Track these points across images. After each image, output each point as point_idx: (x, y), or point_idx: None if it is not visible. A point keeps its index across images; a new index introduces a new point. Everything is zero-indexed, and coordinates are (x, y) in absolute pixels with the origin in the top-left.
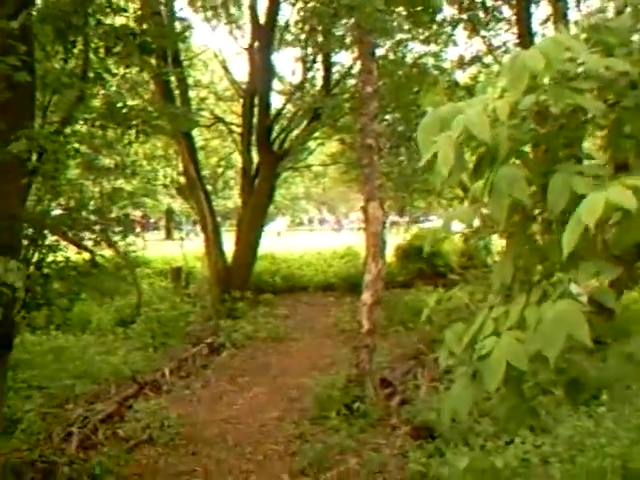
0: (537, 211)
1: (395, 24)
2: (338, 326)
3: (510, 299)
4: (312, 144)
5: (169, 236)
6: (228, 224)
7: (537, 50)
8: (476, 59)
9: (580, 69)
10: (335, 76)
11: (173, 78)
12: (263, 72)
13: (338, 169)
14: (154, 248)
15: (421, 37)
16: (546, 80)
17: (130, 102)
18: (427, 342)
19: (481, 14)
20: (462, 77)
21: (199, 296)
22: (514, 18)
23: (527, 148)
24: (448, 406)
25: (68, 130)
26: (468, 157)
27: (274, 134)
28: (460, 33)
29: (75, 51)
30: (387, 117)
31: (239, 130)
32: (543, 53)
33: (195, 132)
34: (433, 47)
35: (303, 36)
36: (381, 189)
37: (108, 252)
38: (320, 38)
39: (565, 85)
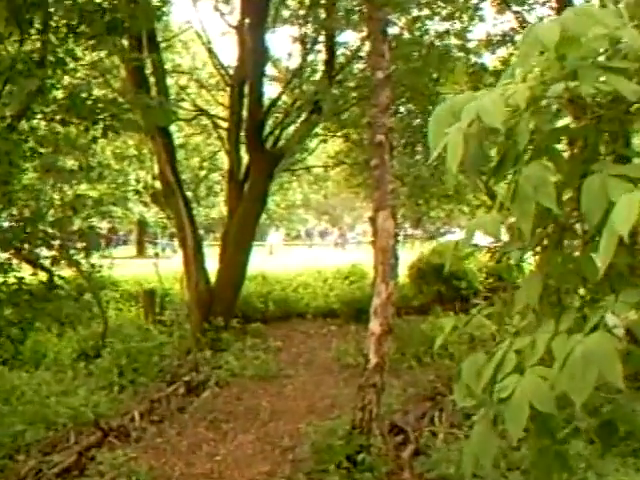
0: (573, 220)
1: None
2: (340, 360)
3: (536, 326)
4: (312, 142)
5: (141, 252)
6: (212, 238)
7: (557, 22)
8: (507, 39)
9: (618, 47)
10: (340, 60)
11: (148, 63)
12: (255, 55)
13: (342, 172)
14: (123, 267)
15: (442, 13)
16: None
17: (97, 92)
18: (446, 380)
19: None
20: (491, 60)
21: (176, 324)
22: None
23: (561, 146)
24: (469, 457)
25: (24, 126)
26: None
27: (267, 130)
28: (488, 8)
29: (32, 32)
30: (401, 109)
31: (226, 125)
32: (564, 26)
33: (173, 127)
34: (456, 25)
35: (302, 12)
36: (393, 195)
37: (69, 272)
38: (322, 14)
39: (596, 65)
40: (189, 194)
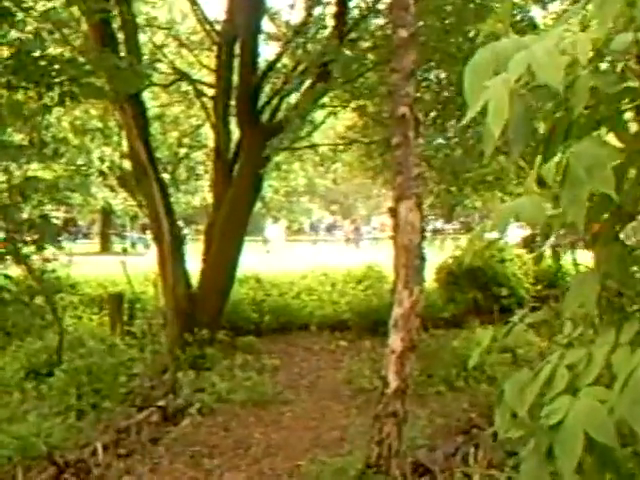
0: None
1: None
2: (352, 383)
3: (592, 336)
4: (319, 115)
5: (106, 248)
6: (194, 231)
7: None
8: None
9: None
10: (353, 14)
11: (116, 15)
12: (248, 7)
13: (356, 152)
14: (84, 265)
15: None
16: None
17: (52, 51)
18: (483, 409)
19: None
20: (541, 17)
21: (149, 337)
22: None
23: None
24: None
25: None
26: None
27: (263, 99)
28: None
29: None
30: (429, 75)
31: (211, 92)
32: None
33: (147, 95)
34: None
35: None
36: (419, 181)
37: (16, 271)
38: None
39: None
40: (166, 177)
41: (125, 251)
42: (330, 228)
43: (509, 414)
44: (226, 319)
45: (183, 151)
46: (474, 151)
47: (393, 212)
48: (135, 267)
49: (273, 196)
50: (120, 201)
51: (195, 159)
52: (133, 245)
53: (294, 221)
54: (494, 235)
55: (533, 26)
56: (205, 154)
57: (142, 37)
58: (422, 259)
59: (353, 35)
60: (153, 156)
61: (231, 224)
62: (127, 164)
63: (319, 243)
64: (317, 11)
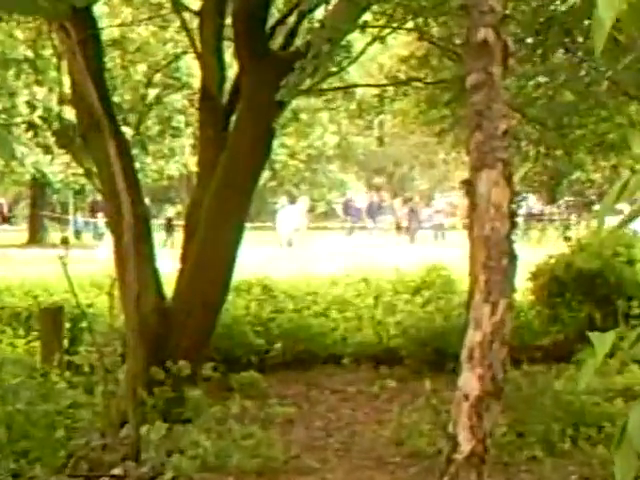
0: None
1: None
2: (404, 445)
3: None
4: (357, 41)
5: (37, 238)
6: (167, 214)
7: None
8: None
9: None
10: None
11: None
12: None
13: (413, 97)
14: (4, 263)
15: None
16: None
17: None
18: None
19: None
20: None
21: (100, 371)
22: None
23: None
24: None
25: None
26: None
27: (273, 17)
28: None
29: None
30: None
31: (197, 5)
32: None
33: (100, 9)
34: None
35: None
36: (508, 141)
37: None
38: None
39: None
40: (127, 132)
41: (66, 242)
42: (373, 211)
43: (634, 459)
44: (216, 346)
45: (153, 93)
46: (591, 96)
47: (468, 187)
48: (81, 267)
49: (288, 162)
50: (58, 168)
51: (171, 105)
52: (78, 234)
53: (319, 200)
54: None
55: None
56: (187, 98)
57: None
58: (512, 258)
59: None
60: (110, 102)
61: (225, 204)
62: (70, 113)
63: (356, 233)
64: None
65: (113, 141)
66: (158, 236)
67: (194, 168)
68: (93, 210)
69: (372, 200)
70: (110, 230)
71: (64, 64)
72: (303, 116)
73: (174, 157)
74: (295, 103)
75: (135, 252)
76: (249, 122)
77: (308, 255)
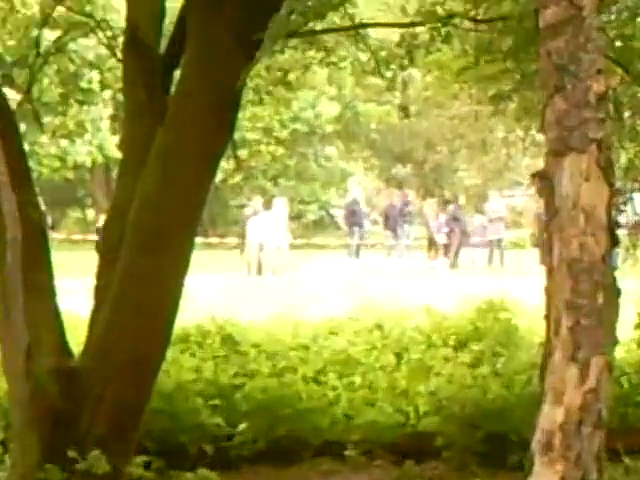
0: None
1: None
2: None
3: None
4: None
5: None
6: (73, 226)
7: None
8: None
9: None
10: None
11: None
12: None
13: (457, 43)
14: None
15: None
16: None
17: None
18: None
19: None
20: None
21: None
22: None
23: None
24: None
25: None
26: None
27: None
28: None
29: None
30: None
31: None
32: None
33: None
34: None
35: None
36: (602, 112)
37: None
38: None
39: None
40: (11, 97)
41: None
42: (393, 219)
43: None
44: (149, 428)
45: (52, 36)
46: None
47: (543, 183)
48: None
49: (262, 143)
50: None
51: (79, 55)
52: None
53: (309, 202)
54: None
55: None
56: (103, 44)
57: None
58: (612, 292)
59: None
60: None
61: (164, 210)
62: None
63: (366, 252)
64: None
65: None
66: (58, 257)
67: (115, 152)
68: None
69: (391, 202)
70: None
71: None
72: (288, 71)
73: (83, 135)
74: (275, 56)
75: (24, 282)
76: (201, 81)
77: (292, 287)
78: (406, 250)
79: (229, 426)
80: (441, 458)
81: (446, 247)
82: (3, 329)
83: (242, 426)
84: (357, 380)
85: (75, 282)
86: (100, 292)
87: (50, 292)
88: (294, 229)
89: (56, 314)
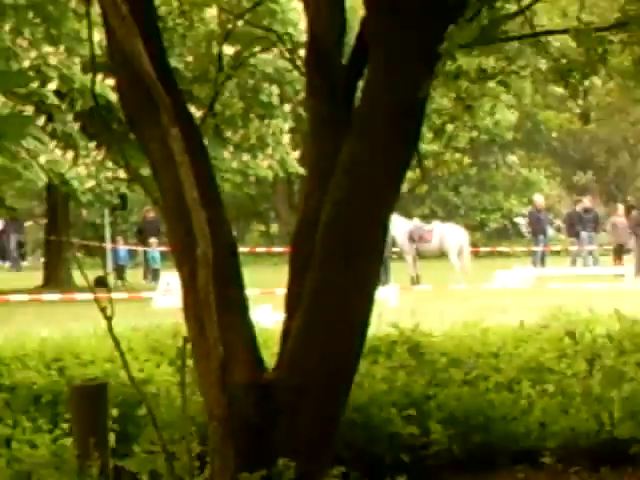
0: None
1: None
2: None
3: None
4: None
5: (54, 278)
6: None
7: None
8: None
9: None
10: None
11: None
12: None
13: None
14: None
15: None
16: None
17: None
18: None
19: None
20: None
21: None
22: None
23: None
24: None
25: None
26: None
27: None
28: None
29: None
30: None
31: None
32: None
33: None
34: None
35: None
36: None
37: None
38: None
39: None
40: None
41: (102, 285)
42: (575, 225)
43: None
44: (345, 439)
45: (231, 52)
46: None
47: None
48: (128, 321)
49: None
50: (86, 170)
51: (259, 70)
52: (120, 272)
53: (492, 210)
54: None
55: None
56: (285, 58)
57: None
58: None
59: None
60: (168, 66)
61: (355, 221)
62: (104, 85)
63: (550, 259)
64: None
65: (177, 126)
66: (244, 271)
67: (296, 166)
68: (142, 234)
69: (574, 209)
70: (177, 266)
71: (94, 10)
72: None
73: (265, 149)
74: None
75: (218, 298)
76: (386, 92)
77: (474, 294)
78: (591, 256)
79: (424, 436)
80: (637, 464)
81: (632, 253)
82: (198, 345)
83: (437, 435)
84: (550, 388)
85: (261, 295)
86: (291, 305)
87: (242, 306)
88: (478, 238)
89: (249, 328)
